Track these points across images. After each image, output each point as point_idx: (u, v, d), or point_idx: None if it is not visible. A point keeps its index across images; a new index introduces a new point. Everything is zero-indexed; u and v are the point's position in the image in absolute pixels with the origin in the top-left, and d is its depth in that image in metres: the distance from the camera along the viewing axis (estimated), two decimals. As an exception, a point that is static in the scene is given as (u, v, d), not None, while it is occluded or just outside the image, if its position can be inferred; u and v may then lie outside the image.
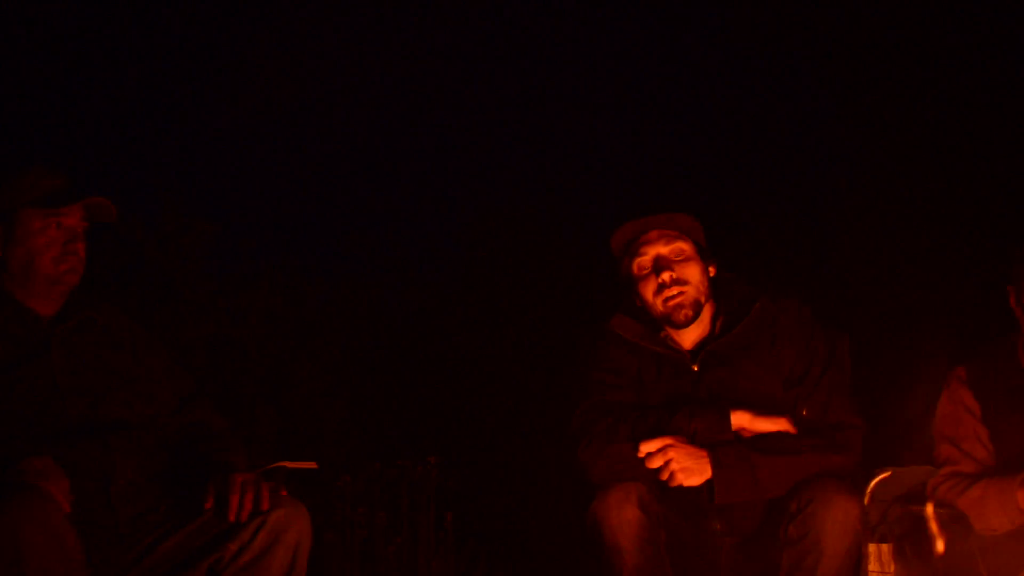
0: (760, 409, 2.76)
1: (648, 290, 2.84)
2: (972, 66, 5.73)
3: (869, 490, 2.83)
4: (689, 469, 2.67)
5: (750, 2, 6.41)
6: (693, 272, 2.83)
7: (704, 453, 2.68)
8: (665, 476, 2.67)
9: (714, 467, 2.67)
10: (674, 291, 2.81)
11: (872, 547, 2.71)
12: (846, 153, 6.23)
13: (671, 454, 2.66)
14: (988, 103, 5.66)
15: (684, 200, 2.92)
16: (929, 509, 2.69)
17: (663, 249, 2.83)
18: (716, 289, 2.90)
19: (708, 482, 2.68)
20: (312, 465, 2.93)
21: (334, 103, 7.26)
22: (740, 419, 2.74)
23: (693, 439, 2.70)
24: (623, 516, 2.62)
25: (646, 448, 2.67)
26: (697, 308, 2.83)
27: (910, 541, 2.61)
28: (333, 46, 7.26)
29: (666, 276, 2.80)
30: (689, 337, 2.88)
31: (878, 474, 2.86)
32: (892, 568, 2.72)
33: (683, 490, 2.71)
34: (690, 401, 2.79)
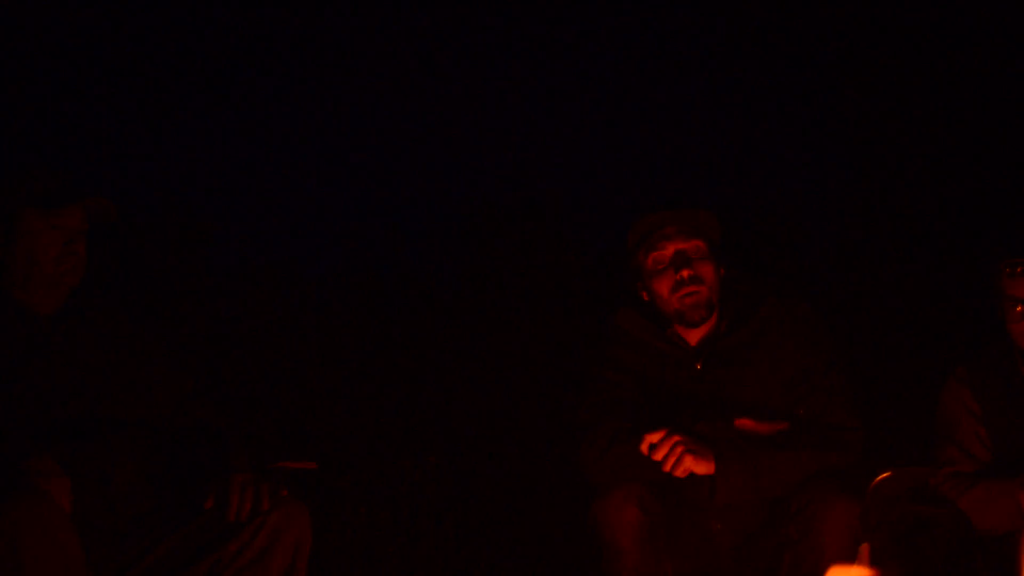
0: (762, 413, 2.76)
1: (663, 286, 2.81)
2: (976, 66, 5.73)
3: (869, 490, 2.83)
4: (698, 452, 2.65)
5: (754, 2, 6.41)
6: (709, 271, 2.81)
7: (707, 447, 2.67)
8: (672, 462, 2.63)
9: (717, 464, 2.66)
10: (691, 289, 2.79)
11: (867, 546, 2.71)
12: (846, 152, 6.23)
13: (677, 437, 2.64)
14: (989, 104, 5.66)
15: (688, 199, 2.91)
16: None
17: (682, 245, 2.80)
18: (723, 288, 2.89)
19: (710, 481, 2.68)
20: (312, 465, 2.93)
21: (334, 101, 7.26)
22: (743, 426, 2.74)
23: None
24: (623, 516, 2.62)
25: (651, 439, 2.65)
26: (711, 308, 2.82)
27: (910, 541, 2.61)
28: (334, 43, 7.26)
29: (685, 273, 2.78)
30: (695, 335, 2.87)
31: (878, 474, 2.86)
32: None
33: (683, 490, 2.71)
34: (693, 401, 2.79)
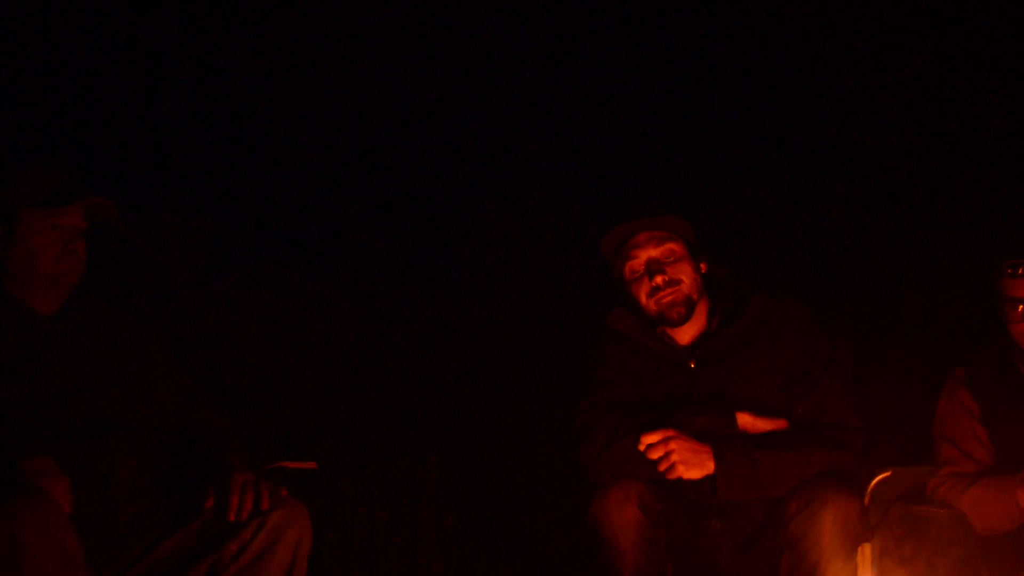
0: (761, 409, 2.77)
1: (641, 292, 2.85)
2: (976, 64, 5.73)
3: (869, 490, 2.83)
4: (689, 461, 2.67)
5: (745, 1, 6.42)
6: (685, 271, 2.84)
7: (706, 448, 2.68)
8: (665, 466, 2.67)
9: (717, 461, 2.67)
10: (667, 292, 2.82)
11: (867, 546, 2.71)
12: (845, 151, 6.22)
13: (672, 445, 2.67)
14: (989, 103, 5.66)
15: (684, 198, 2.92)
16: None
17: (654, 251, 2.83)
18: (711, 286, 2.91)
19: (710, 478, 2.69)
20: (312, 465, 2.93)
21: (333, 101, 7.27)
22: (743, 420, 2.75)
23: (696, 437, 2.71)
24: (623, 516, 2.63)
25: (647, 440, 2.68)
26: (690, 305, 2.84)
27: (910, 541, 2.61)
28: (332, 44, 7.26)
29: (659, 279, 2.81)
30: (686, 334, 2.88)
31: (878, 474, 2.87)
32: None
33: (683, 490, 2.72)
34: (689, 399, 2.80)
